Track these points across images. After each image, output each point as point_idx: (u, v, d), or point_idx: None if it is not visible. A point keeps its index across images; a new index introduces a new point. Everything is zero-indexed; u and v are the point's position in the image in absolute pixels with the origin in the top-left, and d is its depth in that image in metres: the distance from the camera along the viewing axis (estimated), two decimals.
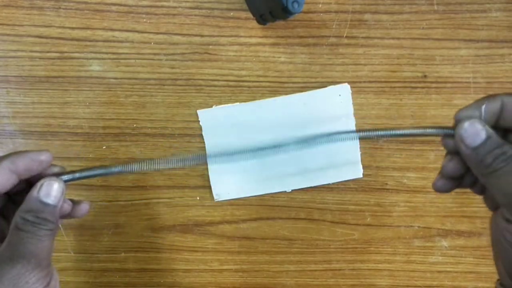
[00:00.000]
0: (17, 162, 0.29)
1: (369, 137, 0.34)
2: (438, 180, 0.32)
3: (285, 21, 0.43)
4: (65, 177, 0.31)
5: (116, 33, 0.43)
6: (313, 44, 0.44)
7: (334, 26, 0.44)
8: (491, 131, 0.28)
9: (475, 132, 0.28)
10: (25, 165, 0.30)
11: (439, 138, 0.45)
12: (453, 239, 0.47)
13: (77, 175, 0.32)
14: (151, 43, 0.44)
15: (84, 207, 0.34)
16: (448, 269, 0.47)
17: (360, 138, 0.39)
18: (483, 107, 0.28)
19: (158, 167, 0.32)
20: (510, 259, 0.27)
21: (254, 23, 0.43)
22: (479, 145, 0.28)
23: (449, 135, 0.30)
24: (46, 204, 0.29)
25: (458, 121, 0.29)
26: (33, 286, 0.27)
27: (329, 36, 0.44)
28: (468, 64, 0.45)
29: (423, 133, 0.32)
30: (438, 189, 0.32)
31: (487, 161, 0.27)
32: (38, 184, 0.29)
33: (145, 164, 0.32)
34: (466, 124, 0.28)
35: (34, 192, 0.29)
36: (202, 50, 0.44)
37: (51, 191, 0.30)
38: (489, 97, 0.29)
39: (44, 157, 0.30)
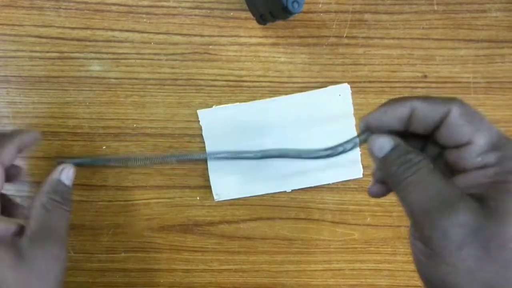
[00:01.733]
0: (23, 141, 0.33)
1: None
2: (372, 185, 0.31)
3: (285, 21, 0.43)
4: (76, 161, 0.38)
5: (116, 33, 0.43)
6: (313, 44, 0.44)
7: (334, 26, 0.44)
8: (397, 139, 0.27)
9: (381, 141, 0.27)
10: (26, 144, 0.33)
11: None
12: None
13: (84, 160, 0.38)
14: (151, 43, 0.44)
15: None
16: None
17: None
18: (388, 112, 0.27)
19: (162, 161, 0.36)
20: (421, 273, 0.25)
21: (254, 23, 0.43)
22: (386, 155, 0.27)
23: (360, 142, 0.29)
24: (67, 186, 0.34)
25: (363, 128, 0.28)
26: (65, 262, 0.31)
27: (329, 36, 0.44)
28: (468, 64, 0.45)
29: (330, 154, 0.32)
30: (373, 195, 0.30)
31: (392, 171, 0.26)
32: (59, 168, 0.34)
33: (140, 159, 0.36)
34: (376, 137, 0.27)
35: (56, 175, 0.34)
36: (202, 50, 0.44)
37: (70, 174, 0.34)
38: (396, 101, 0.27)
39: (38, 135, 0.35)
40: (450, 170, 0.26)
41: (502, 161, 0.23)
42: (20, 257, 0.29)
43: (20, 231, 0.30)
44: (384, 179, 0.29)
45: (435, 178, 0.24)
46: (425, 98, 0.26)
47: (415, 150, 0.26)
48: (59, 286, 0.31)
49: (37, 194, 0.32)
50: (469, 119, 0.24)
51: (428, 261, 0.23)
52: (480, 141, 0.24)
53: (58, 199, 0.32)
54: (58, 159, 0.37)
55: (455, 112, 0.25)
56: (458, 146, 0.25)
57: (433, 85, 0.45)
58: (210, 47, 0.44)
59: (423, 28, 0.44)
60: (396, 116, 0.27)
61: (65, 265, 0.31)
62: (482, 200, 0.23)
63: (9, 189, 0.44)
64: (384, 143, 0.27)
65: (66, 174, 0.34)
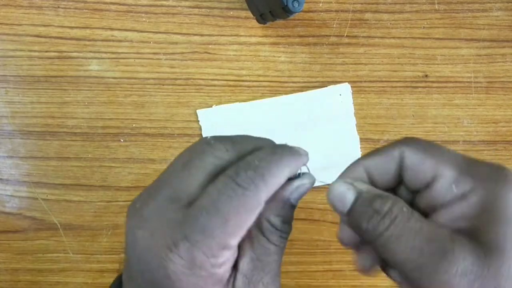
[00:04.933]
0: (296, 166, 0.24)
1: None
2: (341, 230, 0.26)
3: (285, 20, 0.43)
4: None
5: (115, 33, 0.43)
6: (314, 43, 0.44)
7: (334, 26, 0.44)
8: (361, 187, 0.23)
9: (340, 192, 0.23)
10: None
11: (440, 139, 0.45)
12: None
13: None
14: (150, 43, 0.43)
15: None
16: None
17: None
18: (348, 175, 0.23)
19: None
20: None
21: (254, 23, 0.43)
22: (350, 210, 0.22)
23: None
24: (293, 208, 0.25)
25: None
26: None
27: (330, 36, 0.44)
28: (469, 63, 0.44)
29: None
30: (346, 243, 0.26)
31: (362, 227, 0.21)
32: (295, 184, 0.24)
33: None
34: (333, 187, 0.23)
35: (287, 192, 0.24)
36: (202, 50, 0.44)
37: (302, 192, 0.25)
38: (350, 166, 0.24)
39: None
40: (427, 212, 0.23)
41: (479, 185, 0.21)
42: None
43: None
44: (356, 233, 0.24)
45: (416, 224, 0.21)
46: (374, 154, 0.24)
47: (382, 193, 0.22)
48: None
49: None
50: (427, 154, 0.22)
51: None
52: (446, 172, 0.21)
53: (280, 225, 0.24)
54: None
55: (408, 153, 0.22)
56: (427, 186, 0.22)
57: (434, 84, 0.44)
58: (210, 46, 0.44)
59: (424, 27, 0.44)
60: (357, 178, 0.24)
61: None
62: (473, 235, 0.20)
63: (8, 189, 0.44)
64: (344, 194, 0.23)
65: (299, 193, 0.24)
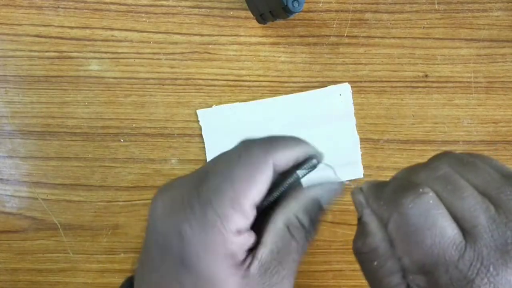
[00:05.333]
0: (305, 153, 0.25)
1: None
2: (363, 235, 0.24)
3: (285, 20, 0.43)
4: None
5: (115, 33, 0.43)
6: (314, 43, 0.44)
7: (334, 25, 0.44)
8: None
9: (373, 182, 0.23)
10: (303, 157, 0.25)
11: (440, 139, 0.45)
12: None
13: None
14: (150, 43, 0.43)
15: None
16: None
17: None
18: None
19: None
20: None
21: (254, 22, 0.43)
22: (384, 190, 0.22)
23: None
24: (322, 210, 0.25)
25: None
26: None
27: (330, 36, 0.44)
28: (469, 63, 0.44)
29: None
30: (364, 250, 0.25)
31: (403, 200, 0.21)
32: (325, 186, 0.25)
33: None
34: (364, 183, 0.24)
35: (315, 192, 0.25)
36: (202, 50, 0.44)
37: (333, 195, 0.26)
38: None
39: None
40: None
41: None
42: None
43: (252, 249, 0.23)
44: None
45: None
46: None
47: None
48: None
49: (280, 207, 0.23)
50: None
51: None
52: None
53: (307, 224, 0.24)
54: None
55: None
56: None
57: (434, 84, 0.44)
58: (210, 46, 0.44)
59: (424, 27, 0.44)
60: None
61: None
62: None
63: (8, 189, 0.44)
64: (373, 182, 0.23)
65: (331, 196, 0.25)
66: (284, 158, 0.23)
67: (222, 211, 0.21)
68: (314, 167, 0.25)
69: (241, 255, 0.22)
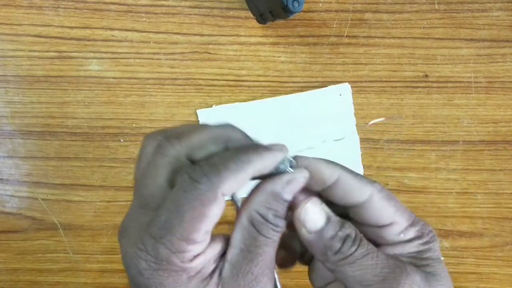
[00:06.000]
0: (264, 165, 0.24)
1: None
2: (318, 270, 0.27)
3: (285, 20, 0.43)
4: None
5: (115, 33, 0.43)
6: (314, 43, 0.44)
7: (334, 25, 0.44)
8: (329, 210, 0.24)
9: (316, 213, 0.24)
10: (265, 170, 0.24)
11: (440, 139, 0.45)
12: (454, 240, 0.46)
13: None
14: (150, 43, 0.43)
15: None
16: (449, 270, 0.47)
17: None
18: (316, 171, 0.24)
19: None
20: None
21: (254, 22, 0.43)
22: (321, 229, 0.23)
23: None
24: (286, 202, 0.25)
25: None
26: None
27: (330, 36, 0.44)
28: (469, 63, 0.44)
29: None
30: (280, 264, 0.27)
31: (335, 247, 0.23)
32: (284, 178, 0.24)
33: None
34: (308, 204, 0.24)
35: (277, 186, 0.24)
36: (202, 50, 0.44)
37: (297, 188, 0.25)
38: (327, 163, 0.25)
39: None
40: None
41: (421, 234, 0.26)
42: None
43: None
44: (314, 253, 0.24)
45: (374, 249, 0.24)
46: (353, 173, 0.25)
47: (344, 220, 0.24)
48: None
49: (244, 205, 0.24)
50: (390, 201, 0.25)
51: None
52: (402, 221, 0.25)
53: (271, 218, 0.23)
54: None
55: (377, 195, 0.25)
56: (380, 226, 0.25)
57: (434, 84, 0.44)
58: (210, 46, 0.44)
59: (424, 27, 0.44)
60: (321, 177, 0.24)
61: None
62: (417, 266, 0.25)
63: (8, 189, 0.44)
64: (318, 214, 0.24)
65: (291, 188, 0.24)
66: (236, 184, 0.22)
67: (174, 247, 0.21)
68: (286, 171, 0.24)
69: (209, 267, 0.23)
